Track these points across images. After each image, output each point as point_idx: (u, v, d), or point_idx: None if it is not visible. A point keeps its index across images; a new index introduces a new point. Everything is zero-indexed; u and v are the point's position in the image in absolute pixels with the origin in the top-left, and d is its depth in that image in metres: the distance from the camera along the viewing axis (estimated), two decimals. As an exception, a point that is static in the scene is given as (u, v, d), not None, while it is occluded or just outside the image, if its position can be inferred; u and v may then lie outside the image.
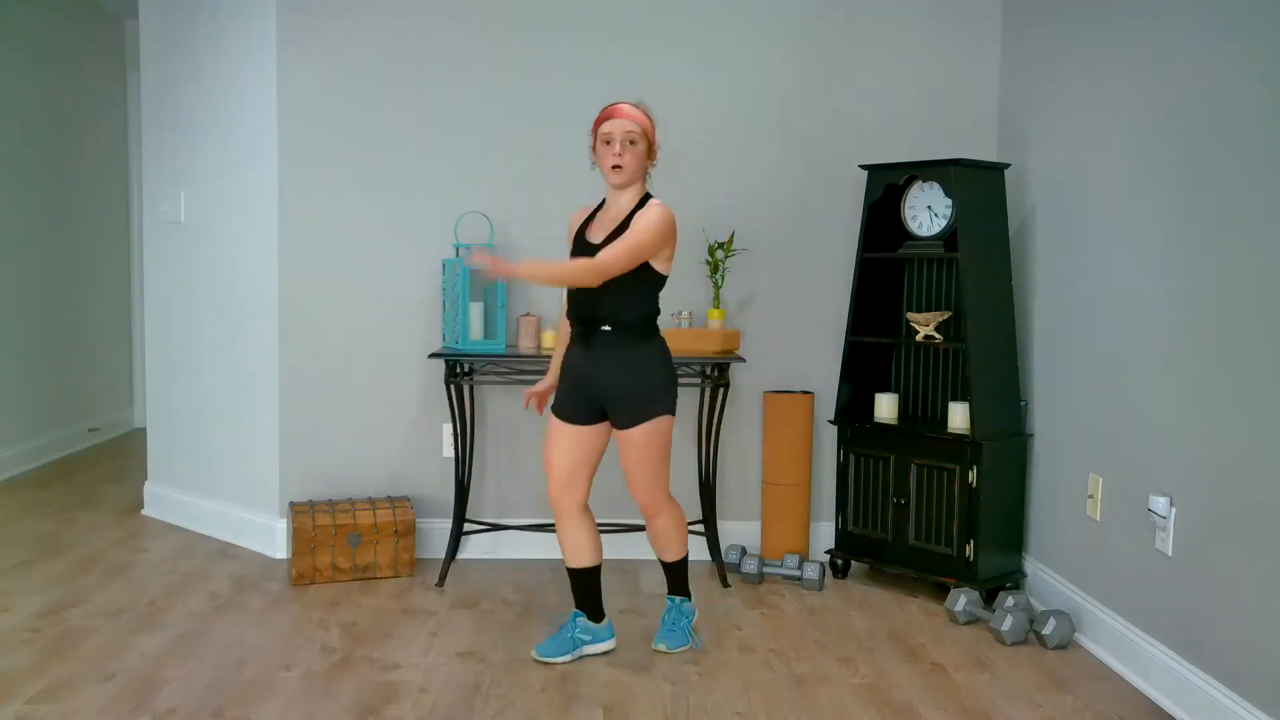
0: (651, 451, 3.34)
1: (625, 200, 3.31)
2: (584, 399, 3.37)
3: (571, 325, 3.42)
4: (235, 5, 4.61)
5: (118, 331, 7.37)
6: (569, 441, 3.40)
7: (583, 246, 3.33)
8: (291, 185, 4.49)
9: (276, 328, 4.54)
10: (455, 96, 4.48)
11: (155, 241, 5.13)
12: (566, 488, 3.43)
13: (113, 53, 7.22)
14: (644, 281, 3.30)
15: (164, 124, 5.01)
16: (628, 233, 3.23)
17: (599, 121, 3.30)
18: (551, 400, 3.51)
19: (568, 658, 3.44)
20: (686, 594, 3.59)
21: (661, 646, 3.52)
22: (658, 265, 3.30)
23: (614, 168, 3.25)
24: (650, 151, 3.32)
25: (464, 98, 4.48)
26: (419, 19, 4.46)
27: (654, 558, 4.55)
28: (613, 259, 3.19)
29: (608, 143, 3.26)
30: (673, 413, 3.37)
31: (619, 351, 3.31)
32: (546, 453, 3.44)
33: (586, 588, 3.48)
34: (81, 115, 6.79)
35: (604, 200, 3.41)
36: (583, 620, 3.47)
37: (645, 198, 3.32)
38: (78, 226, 6.75)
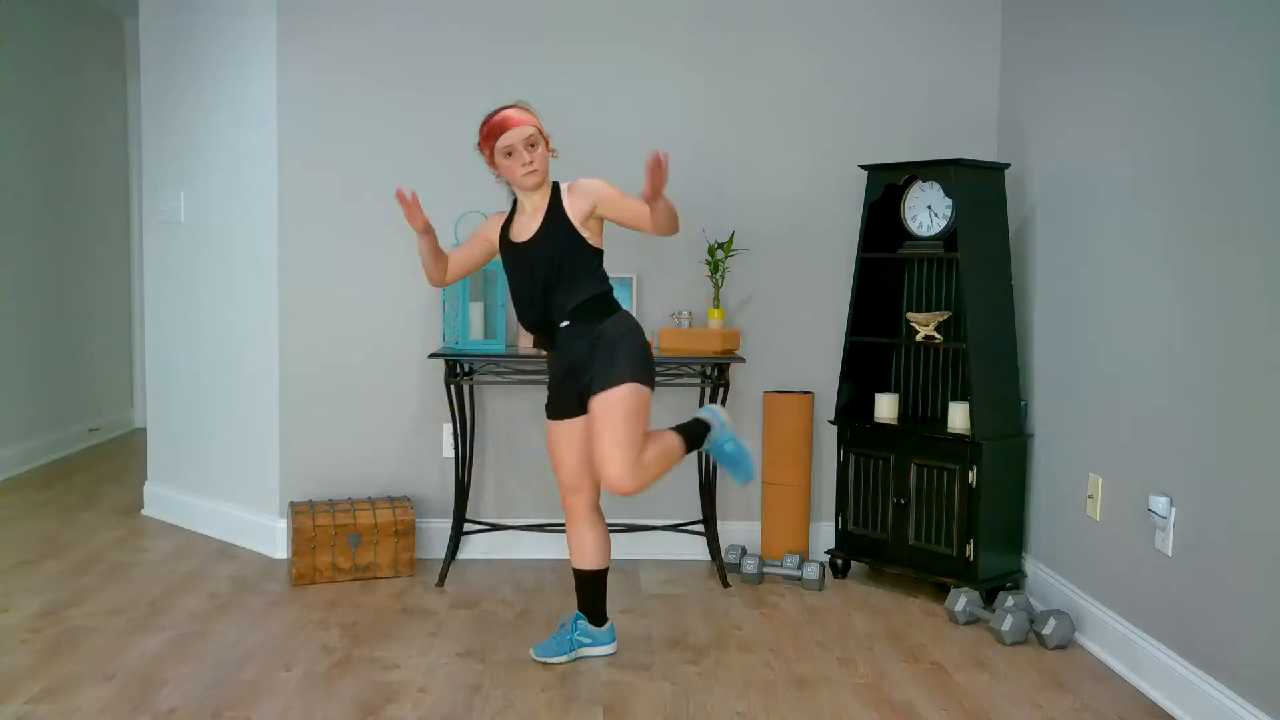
0: (613, 418, 3.19)
1: (539, 196, 3.34)
2: (571, 393, 3.36)
3: (533, 336, 3.43)
4: (235, 5, 4.61)
5: (118, 331, 7.37)
6: (568, 438, 3.40)
7: (509, 248, 3.38)
8: (291, 185, 4.49)
9: (276, 328, 4.53)
10: (455, 96, 4.48)
11: (155, 241, 5.13)
12: (574, 489, 3.43)
13: (113, 53, 7.22)
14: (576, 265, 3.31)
15: (164, 124, 5.01)
16: (613, 198, 3.26)
17: (491, 137, 3.30)
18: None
19: (565, 659, 3.44)
20: (704, 429, 3.46)
21: (740, 483, 3.57)
22: (591, 239, 3.31)
23: (528, 174, 3.28)
24: (546, 145, 3.34)
25: (464, 97, 4.47)
26: (419, 19, 4.46)
27: (654, 558, 4.58)
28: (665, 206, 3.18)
29: (510, 154, 3.28)
30: (643, 383, 3.25)
31: (587, 339, 3.29)
32: (553, 456, 3.45)
33: (589, 590, 3.48)
34: (81, 116, 6.79)
35: (515, 204, 3.43)
36: (584, 624, 3.47)
37: (555, 186, 3.34)
38: (78, 227, 6.75)
